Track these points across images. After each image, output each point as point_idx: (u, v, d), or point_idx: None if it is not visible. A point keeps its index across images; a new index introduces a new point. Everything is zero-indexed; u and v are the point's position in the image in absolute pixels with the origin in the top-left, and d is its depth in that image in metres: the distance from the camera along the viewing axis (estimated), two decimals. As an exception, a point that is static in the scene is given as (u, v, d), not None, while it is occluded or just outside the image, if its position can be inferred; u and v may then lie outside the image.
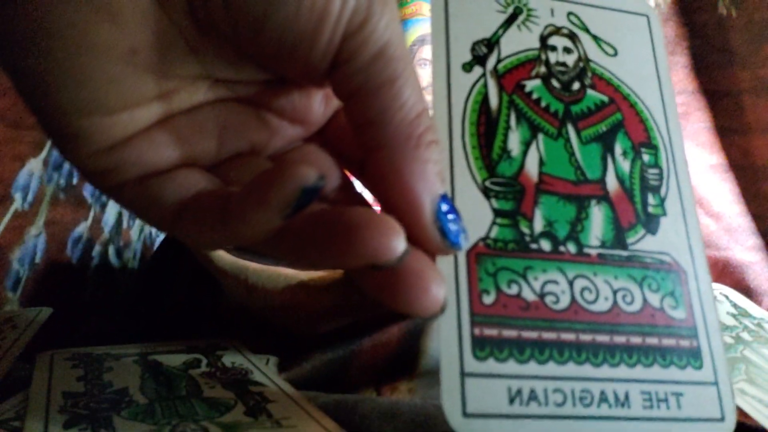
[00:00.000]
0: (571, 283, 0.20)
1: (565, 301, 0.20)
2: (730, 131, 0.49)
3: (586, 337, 0.20)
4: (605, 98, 0.24)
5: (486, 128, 0.22)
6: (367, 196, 0.22)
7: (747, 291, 0.46)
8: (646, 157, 0.23)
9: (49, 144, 0.48)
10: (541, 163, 0.22)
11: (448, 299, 0.19)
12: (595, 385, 0.19)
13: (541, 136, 0.22)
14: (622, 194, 0.22)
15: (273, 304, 0.36)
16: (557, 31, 0.24)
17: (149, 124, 0.18)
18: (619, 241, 0.22)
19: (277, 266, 0.38)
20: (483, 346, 0.19)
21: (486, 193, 0.21)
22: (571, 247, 0.21)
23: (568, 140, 0.22)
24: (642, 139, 0.23)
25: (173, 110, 0.18)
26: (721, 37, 0.50)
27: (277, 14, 0.16)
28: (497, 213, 0.21)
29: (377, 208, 0.19)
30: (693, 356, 0.21)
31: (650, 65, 0.25)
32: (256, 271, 0.37)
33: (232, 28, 0.17)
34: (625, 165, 0.23)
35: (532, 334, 0.19)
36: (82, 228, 0.50)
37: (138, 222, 0.53)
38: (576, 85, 0.23)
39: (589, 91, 0.23)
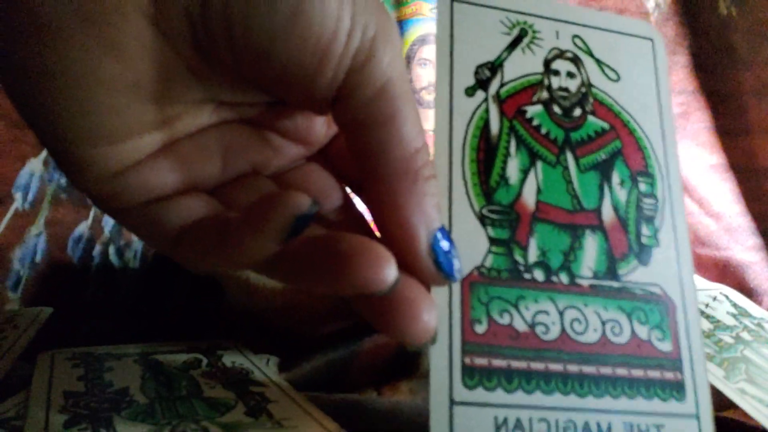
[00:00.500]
0: (561, 314, 0.21)
1: (555, 332, 0.20)
2: (732, 132, 0.49)
3: (573, 368, 0.20)
4: (606, 125, 0.23)
5: (485, 154, 0.22)
6: (368, 215, 0.22)
7: (747, 291, 0.46)
8: (642, 186, 0.23)
9: (49, 144, 0.48)
10: (539, 191, 0.22)
11: (440, 327, 0.19)
12: (579, 415, 0.20)
13: (539, 164, 0.22)
14: (617, 224, 0.22)
15: (274, 304, 0.36)
16: (561, 54, 0.24)
17: (153, 150, 0.18)
18: (611, 272, 0.22)
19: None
20: (473, 375, 0.19)
21: (482, 220, 0.21)
22: (564, 278, 0.21)
23: (566, 168, 0.22)
24: (639, 167, 0.23)
25: (177, 135, 0.19)
26: (722, 37, 0.50)
27: (280, 48, 0.16)
28: (492, 241, 0.21)
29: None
30: (676, 389, 0.21)
31: (652, 92, 0.25)
32: (257, 270, 0.37)
33: (236, 59, 0.17)
34: (622, 194, 0.23)
35: (521, 364, 0.20)
36: (83, 228, 0.50)
37: (138, 222, 0.53)
38: (577, 111, 0.23)
39: (590, 118, 0.23)
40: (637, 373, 0.21)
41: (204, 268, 0.19)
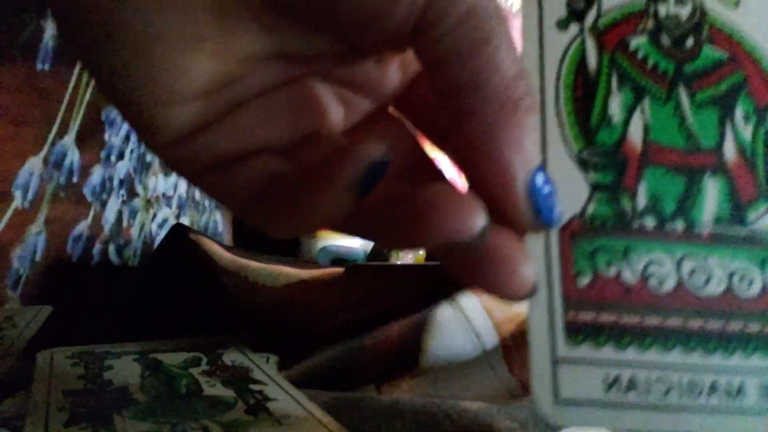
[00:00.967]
0: (678, 265, 0.19)
1: (670, 284, 0.18)
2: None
3: (694, 324, 0.18)
4: (725, 55, 0.21)
5: (583, 92, 0.20)
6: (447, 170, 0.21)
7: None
8: None
9: (49, 142, 0.48)
10: (647, 130, 0.20)
11: (539, 282, 0.18)
12: (705, 375, 0.18)
13: (647, 100, 0.20)
14: (742, 165, 0.20)
15: (273, 301, 0.36)
16: None
17: (222, 111, 0.18)
18: (737, 218, 0.19)
19: (279, 264, 0.38)
20: (577, 332, 0.18)
21: (582, 164, 0.19)
22: (679, 226, 0.19)
23: (679, 104, 0.20)
24: None
25: (245, 95, 0.18)
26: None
27: None
28: (595, 187, 0.19)
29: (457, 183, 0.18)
30: None
31: None
32: (257, 269, 0.37)
33: (306, 1, 0.16)
34: (747, 131, 0.20)
35: (632, 319, 0.18)
36: (83, 226, 0.50)
37: (138, 220, 0.53)
38: (690, 41, 0.21)
39: (706, 47, 0.21)
40: None
41: (281, 232, 0.18)
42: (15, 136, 0.47)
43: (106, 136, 0.52)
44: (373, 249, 0.44)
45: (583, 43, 0.20)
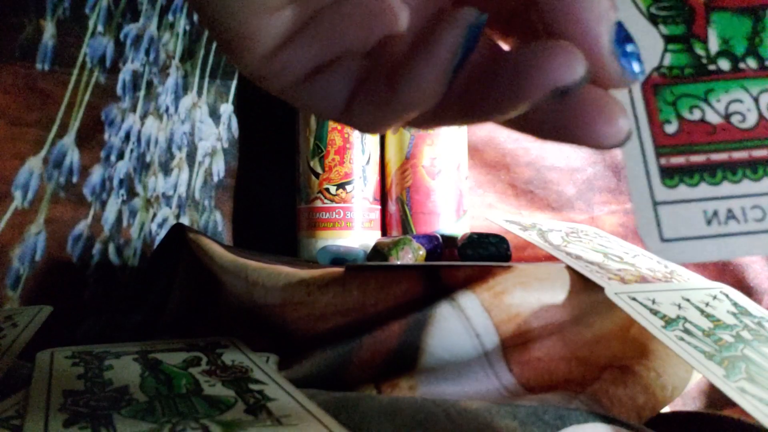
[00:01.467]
0: (756, 100, 0.20)
1: (752, 119, 0.20)
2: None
3: None
4: None
5: None
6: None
7: (747, 290, 0.46)
8: None
9: (49, 142, 0.48)
10: None
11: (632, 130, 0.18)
12: None
13: None
14: None
15: (273, 301, 0.36)
16: None
17: (308, 18, 0.18)
18: None
19: (278, 264, 0.38)
20: (672, 175, 0.19)
21: (653, 19, 0.20)
22: (752, 63, 0.20)
23: None
24: None
25: (323, 3, 0.19)
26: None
27: None
28: (668, 39, 0.20)
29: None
30: None
31: None
32: (257, 268, 0.37)
33: None
34: None
35: (721, 156, 0.19)
36: (83, 226, 0.50)
37: (138, 220, 0.53)
38: None
39: None
40: None
41: (381, 126, 0.19)
42: (14, 137, 0.47)
43: (106, 136, 0.52)
44: (373, 249, 0.44)
45: None
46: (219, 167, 0.56)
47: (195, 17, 0.56)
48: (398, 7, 0.20)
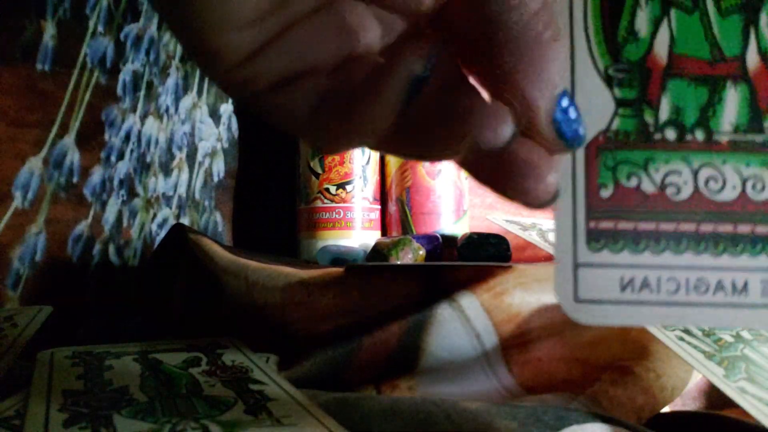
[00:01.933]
0: (695, 173, 0.20)
1: (687, 192, 0.20)
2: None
3: (707, 227, 0.19)
4: None
5: (611, 5, 0.20)
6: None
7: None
8: None
9: (49, 142, 0.48)
10: (672, 42, 0.20)
11: (564, 193, 0.19)
12: (712, 273, 0.19)
13: (673, 12, 0.20)
14: (764, 71, 0.20)
15: (273, 302, 0.36)
16: None
17: (274, 35, 0.19)
18: (755, 125, 0.20)
19: (278, 264, 0.38)
20: (598, 239, 0.19)
21: (608, 81, 0.20)
22: (699, 135, 0.20)
23: (705, 13, 0.20)
24: None
25: (292, 18, 0.19)
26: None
27: None
28: (620, 103, 0.20)
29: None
30: None
31: None
32: (257, 269, 0.37)
33: None
34: None
35: (649, 225, 0.19)
36: (83, 226, 0.50)
37: (138, 220, 0.53)
38: None
39: None
40: None
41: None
42: (15, 137, 0.47)
43: (106, 137, 0.52)
44: (373, 249, 0.44)
45: None
46: (219, 168, 0.56)
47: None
48: (369, 25, 0.20)
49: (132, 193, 0.53)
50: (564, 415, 0.26)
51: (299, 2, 0.19)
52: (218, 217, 0.55)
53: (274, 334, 0.36)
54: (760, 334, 0.36)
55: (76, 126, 0.50)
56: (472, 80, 0.21)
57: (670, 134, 0.20)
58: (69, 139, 0.49)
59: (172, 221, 0.54)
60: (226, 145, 0.56)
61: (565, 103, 0.17)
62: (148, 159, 0.53)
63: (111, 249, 0.52)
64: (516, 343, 0.34)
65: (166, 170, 0.54)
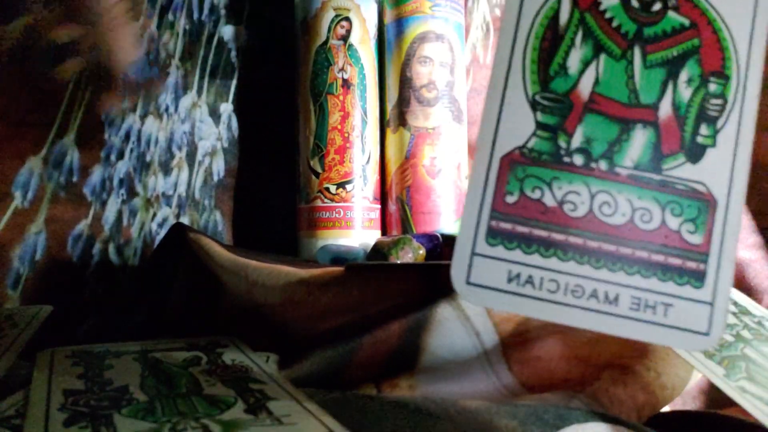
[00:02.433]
0: (592, 196, 0.22)
1: (582, 211, 0.22)
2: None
3: (593, 244, 0.22)
4: (686, 22, 0.23)
5: (549, 44, 0.22)
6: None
7: (747, 289, 0.46)
8: (712, 87, 0.23)
9: (49, 142, 0.48)
10: (596, 83, 0.22)
11: (474, 196, 0.22)
12: (589, 282, 0.22)
13: (603, 57, 0.22)
14: (673, 122, 0.23)
15: (273, 301, 0.36)
16: None
17: None
18: (654, 165, 0.22)
19: (278, 263, 0.38)
20: (495, 236, 0.22)
21: (534, 106, 0.22)
22: (603, 165, 0.22)
23: (630, 63, 0.23)
24: (715, 68, 0.23)
25: None
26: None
27: None
28: (539, 126, 0.22)
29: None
30: (695, 277, 0.22)
31: None
32: (257, 268, 0.37)
33: None
34: (686, 93, 0.23)
35: (542, 233, 0.22)
36: (83, 226, 0.50)
37: (138, 219, 0.53)
38: (657, 6, 0.23)
39: (670, 14, 0.23)
40: (658, 258, 0.22)
41: None
42: (15, 136, 0.47)
43: (106, 136, 0.52)
44: (373, 248, 0.44)
45: (559, 1, 0.23)
46: (219, 167, 0.56)
47: (195, 16, 0.56)
48: None
49: (132, 193, 0.53)
50: (565, 414, 0.26)
51: None
52: (218, 216, 0.55)
53: (274, 332, 0.36)
54: (760, 333, 0.36)
55: (75, 125, 0.50)
56: None
57: (578, 160, 0.22)
58: (69, 139, 0.49)
59: (172, 220, 0.54)
60: (226, 144, 0.56)
61: None
62: (148, 158, 0.53)
63: (111, 248, 0.52)
64: (516, 341, 0.34)
65: (166, 169, 0.54)
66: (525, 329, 0.34)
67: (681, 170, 0.22)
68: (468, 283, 0.21)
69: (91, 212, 0.50)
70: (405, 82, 0.53)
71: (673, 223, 0.22)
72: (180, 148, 0.55)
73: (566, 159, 0.22)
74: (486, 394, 0.32)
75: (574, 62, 0.22)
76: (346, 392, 0.28)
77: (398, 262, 0.42)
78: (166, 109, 0.54)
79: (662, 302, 0.22)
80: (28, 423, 0.22)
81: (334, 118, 0.52)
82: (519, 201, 0.22)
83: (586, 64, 0.22)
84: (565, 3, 0.23)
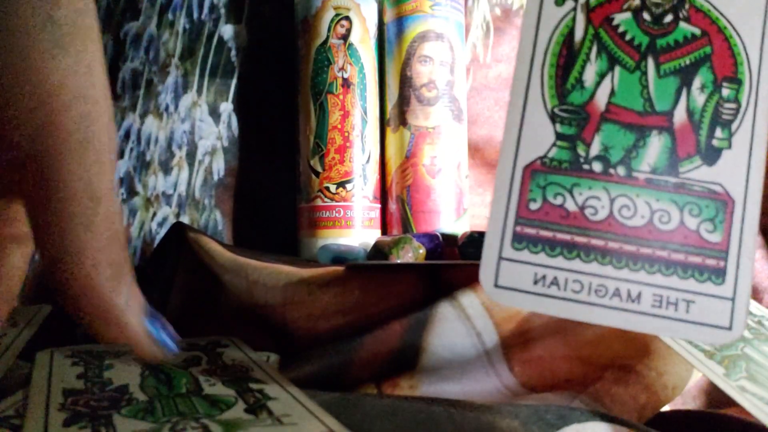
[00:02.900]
0: (612, 200, 0.23)
1: (602, 215, 0.23)
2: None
3: (614, 245, 0.23)
4: (697, 31, 0.24)
5: (566, 60, 0.24)
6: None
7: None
8: (726, 92, 0.24)
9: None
10: (612, 94, 0.23)
11: (499, 204, 0.23)
12: (612, 282, 0.23)
13: (617, 69, 0.24)
14: (688, 127, 0.24)
15: (273, 301, 0.36)
16: None
17: None
18: (671, 169, 0.23)
19: (279, 263, 0.38)
20: (521, 241, 0.23)
21: (553, 118, 0.23)
22: (621, 171, 0.23)
23: (644, 73, 0.24)
24: (727, 73, 0.24)
25: None
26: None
27: None
28: (559, 136, 0.23)
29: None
30: (716, 274, 0.23)
31: None
32: (257, 267, 0.37)
33: None
34: (700, 99, 0.24)
35: (565, 237, 0.23)
36: (82, 225, 0.50)
37: (138, 219, 0.53)
38: (668, 18, 0.24)
39: (681, 24, 0.24)
40: (678, 256, 0.23)
41: None
42: (14, 135, 0.47)
43: (106, 135, 0.52)
44: (373, 247, 0.44)
45: (574, 18, 0.24)
46: (219, 166, 0.56)
47: (195, 16, 0.56)
48: None
49: (131, 192, 0.53)
50: (566, 414, 0.26)
51: None
52: (218, 215, 0.55)
53: (275, 333, 0.36)
54: (760, 332, 0.36)
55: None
56: None
57: (597, 167, 0.23)
58: (68, 138, 0.49)
59: (171, 220, 0.54)
60: (226, 144, 0.56)
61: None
62: (148, 157, 0.53)
63: (111, 248, 0.52)
64: (517, 341, 0.34)
65: (166, 169, 0.54)
66: (526, 329, 0.34)
67: (697, 172, 0.23)
68: (496, 286, 0.22)
69: (91, 211, 0.50)
70: (405, 81, 0.53)
71: (691, 223, 0.23)
72: (180, 148, 0.55)
73: (585, 166, 0.23)
74: (487, 394, 0.32)
75: (590, 76, 0.24)
76: (346, 393, 0.28)
77: (399, 261, 0.42)
78: (166, 108, 0.54)
79: (684, 299, 0.23)
80: (28, 423, 0.22)
81: (334, 118, 0.52)
82: (542, 207, 0.23)
83: (601, 77, 0.24)
84: (580, 20, 0.24)
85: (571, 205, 0.23)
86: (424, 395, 0.32)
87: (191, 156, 0.55)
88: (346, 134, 0.52)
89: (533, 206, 0.23)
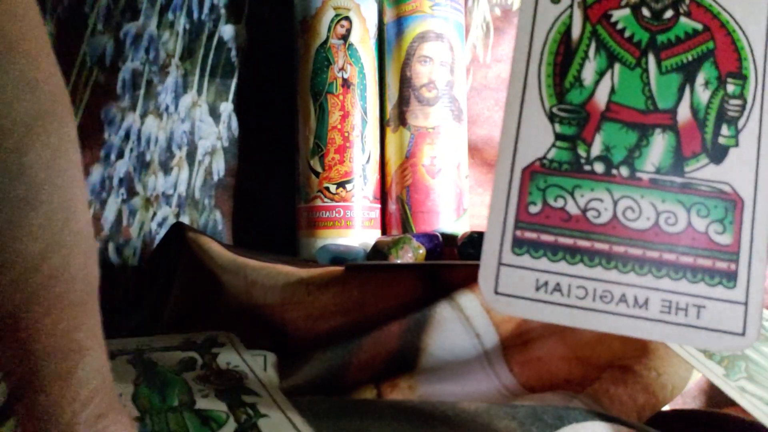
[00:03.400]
0: (615, 202, 0.22)
1: (606, 217, 0.22)
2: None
3: (618, 249, 0.22)
4: (699, 26, 0.23)
5: (563, 58, 0.23)
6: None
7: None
8: (730, 88, 0.23)
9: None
10: (612, 92, 0.23)
11: (497, 207, 0.22)
12: (617, 287, 0.22)
13: (617, 66, 0.23)
14: (693, 124, 0.23)
15: (272, 301, 0.36)
16: None
17: None
18: (676, 169, 0.22)
19: (278, 263, 0.38)
20: (521, 245, 0.22)
21: (551, 118, 0.23)
22: (624, 171, 0.22)
23: (645, 70, 0.23)
24: (732, 68, 0.23)
25: None
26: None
27: None
28: (558, 137, 0.22)
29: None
30: (727, 277, 0.22)
31: None
32: (256, 268, 0.37)
33: None
34: (704, 95, 0.23)
35: (567, 241, 0.22)
36: (82, 225, 0.50)
37: (138, 219, 0.53)
38: (668, 14, 0.23)
39: (682, 19, 0.23)
40: (686, 259, 0.22)
41: None
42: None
43: (106, 135, 0.52)
44: (373, 248, 0.44)
45: (570, 15, 0.23)
46: (219, 166, 0.56)
47: (195, 16, 0.56)
48: None
49: (131, 192, 0.53)
50: (563, 414, 0.26)
51: None
52: (218, 215, 0.55)
53: (273, 332, 0.36)
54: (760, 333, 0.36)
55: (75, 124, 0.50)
56: None
57: (599, 167, 0.22)
58: (68, 138, 0.49)
59: (171, 220, 0.54)
60: (225, 144, 0.56)
61: None
62: (148, 157, 0.53)
63: (110, 248, 0.52)
64: (516, 342, 0.34)
65: (166, 169, 0.54)
66: (526, 330, 0.34)
67: (704, 171, 0.22)
68: (497, 292, 0.22)
69: (91, 212, 0.50)
70: (405, 82, 0.53)
71: (699, 224, 0.22)
72: (180, 148, 0.55)
73: (587, 167, 0.22)
74: (487, 395, 0.32)
75: (588, 74, 0.23)
76: (346, 398, 0.28)
77: (398, 262, 0.42)
78: (166, 109, 0.54)
79: (694, 304, 0.22)
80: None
81: (334, 118, 0.52)
82: (542, 210, 0.22)
83: (600, 75, 0.23)
84: (577, 17, 0.23)
85: (572, 208, 0.22)
86: (423, 396, 0.32)
87: (191, 156, 0.55)
88: (346, 134, 0.52)
89: (533, 209, 0.22)
